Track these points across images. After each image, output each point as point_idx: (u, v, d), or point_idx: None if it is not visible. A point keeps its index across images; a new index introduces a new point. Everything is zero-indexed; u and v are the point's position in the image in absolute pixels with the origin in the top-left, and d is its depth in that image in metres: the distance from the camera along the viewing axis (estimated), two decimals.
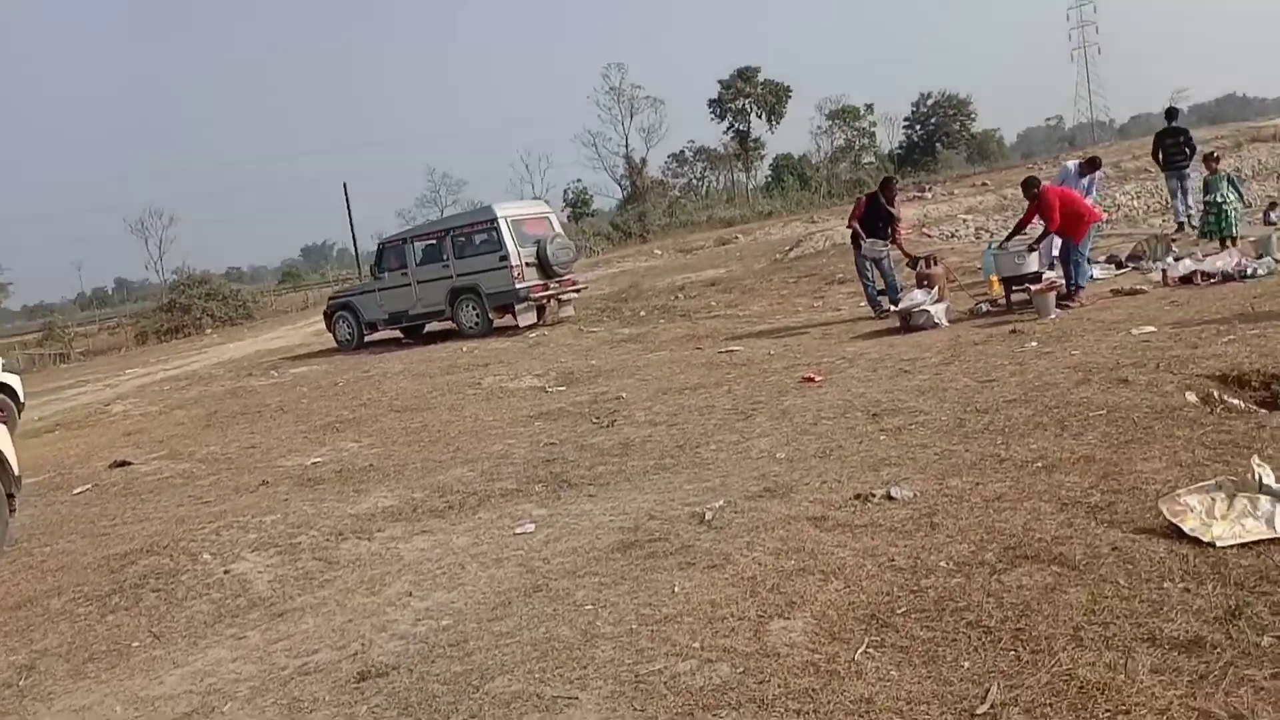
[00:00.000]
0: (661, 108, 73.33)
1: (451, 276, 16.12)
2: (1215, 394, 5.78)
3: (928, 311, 10.17)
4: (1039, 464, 4.85)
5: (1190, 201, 14.65)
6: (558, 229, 16.48)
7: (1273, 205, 27.05)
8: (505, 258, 15.39)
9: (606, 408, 8.61)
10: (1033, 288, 9.71)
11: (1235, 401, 5.70)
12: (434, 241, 16.55)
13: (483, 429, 8.57)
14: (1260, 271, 9.38)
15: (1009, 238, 11.15)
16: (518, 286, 15.43)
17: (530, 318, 15.74)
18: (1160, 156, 14.90)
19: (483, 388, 10.94)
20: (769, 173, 77.70)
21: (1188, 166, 14.47)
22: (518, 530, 5.26)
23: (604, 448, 7.08)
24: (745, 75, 71.00)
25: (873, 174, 67.28)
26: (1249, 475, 3.77)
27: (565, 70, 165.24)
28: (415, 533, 5.59)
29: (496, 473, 6.79)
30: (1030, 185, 10.48)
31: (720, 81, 72.34)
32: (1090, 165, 13.21)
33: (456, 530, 5.50)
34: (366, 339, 17.64)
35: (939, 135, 76.12)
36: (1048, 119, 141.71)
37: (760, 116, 72.81)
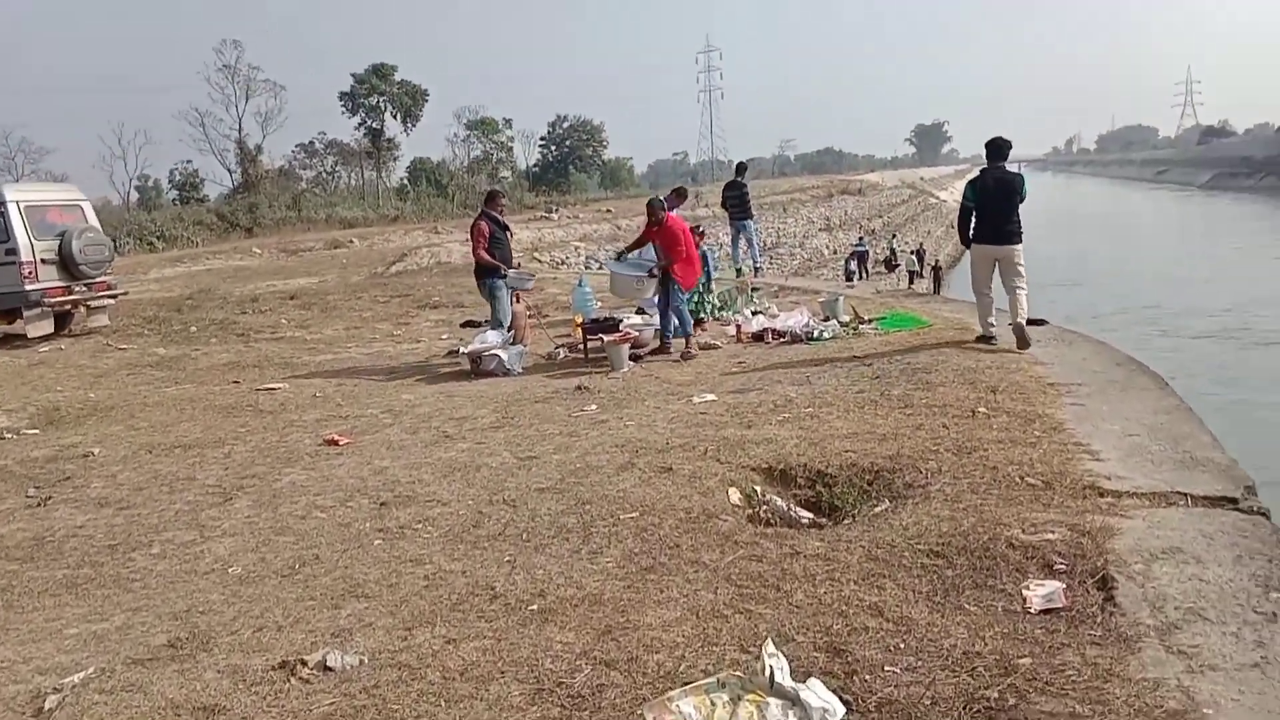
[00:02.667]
0: (282, 93, 68.18)
1: None
2: (760, 493, 5.08)
3: (498, 356, 9.09)
4: (537, 605, 3.73)
5: (756, 251, 16.03)
6: (91, 221, 13.59)
7: (854, 256, 29.80)
8: (13, 251, 12.35)
9: (59, 471, 6.55)
10: (606, 338, 8.96)
11: (778, 502, 5.04)
12: None
13: None
14: (825, 334, 9.29)
15: (622, 255, 10.20)
16: (28, 288, 12.44)
17: (44, 327, 12.76)
18: (726, 206, 15.64)
19: None
20: (405, 175, 75.17)
21: (747, 218, 15.37)
22: None
23: (7, 545, 5.12)
24: (380, 72, 68.04)
25: (506, 188, 67.24)
26: (759, 666, 2.84)
27: (174, 39, 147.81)
28: None
29: None
30: (655, 208, 9.54)
31: (354, 75, 68.75)
32: (678, 196, 12.88)
33: None
34: None
35: (573, 158, 77.80)
36: (675, 153, 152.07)
37: (395, 117, 70.12)
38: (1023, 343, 7.78)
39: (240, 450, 6.78)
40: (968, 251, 8.72)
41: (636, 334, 9.03)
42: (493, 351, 9.09)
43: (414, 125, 70.68)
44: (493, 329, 9.84)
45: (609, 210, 43.26)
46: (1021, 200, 8.11)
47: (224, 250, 33.23)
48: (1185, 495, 4.30)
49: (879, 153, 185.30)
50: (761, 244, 31.81)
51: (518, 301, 10.41)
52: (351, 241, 35.08)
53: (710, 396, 7.17)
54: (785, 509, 5.01)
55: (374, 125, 70.69)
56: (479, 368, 9.17)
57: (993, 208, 8.13)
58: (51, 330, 12.92)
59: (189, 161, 69.75)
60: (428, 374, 9.60)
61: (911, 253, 32.32)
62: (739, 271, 15.65)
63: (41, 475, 6.52)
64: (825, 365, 7.99)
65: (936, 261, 32.28)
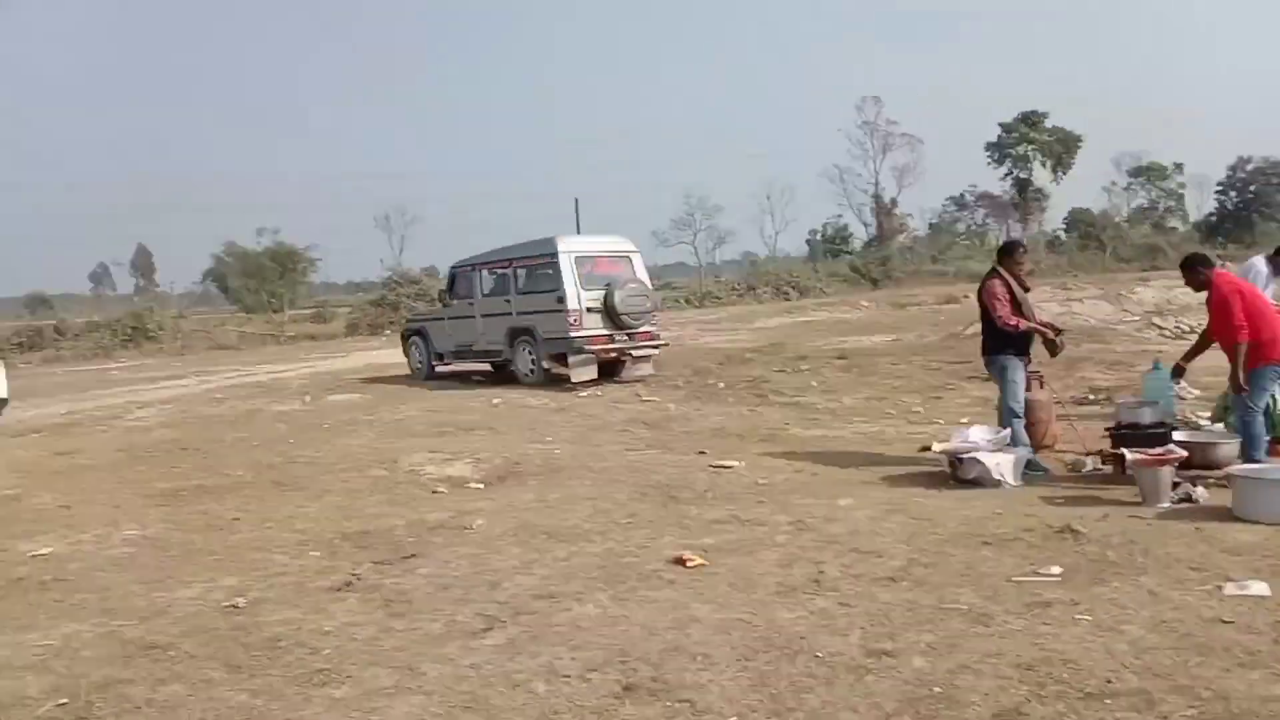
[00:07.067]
0: (919, 146, 68.32)
1: (512, 314, 13.94)
2: None
3: (981, 463, 6.71)
4: None
5: None
6: (639, 273, 13.85)
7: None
8: (563, 300, 13.00)
9: (407, 545, 5.98)
10: (1131, 455, 6.01)
11: None
12: (501, 272, 14.43)
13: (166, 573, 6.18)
14: None
15: (1188, 357, 6.98)
16: (573, 335, 12.98)
17: (587, 373, 13.17)
18: None
19: (388, 473, 8.38)
20: (1062, 226, 70.28)
21: None
22: None
23: (251, 643, 4.49)
24: (1030, 120, 64.61)
25: (1176, 242, 58.39)
26: None
27: (818, 100, 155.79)
28: None
29: None
30: (1193, 266, 6.76)
31: (1001, 124, 66.27)
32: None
33: None
34: (438, 369, 15.73)
35: (1258, 205, 65.49)
36: None
37: (1044, 165, 65.98)
38: None
39: (589, 551, 5.57)
40: None
41: (1184, 454, 5.93)
42: (973, 454, 6.73)
43: (1064, 174, 65.80)
44: (999, 422, 7.46)
45: None
46: None
47: (834, 303, 33.50)
48: None
49: None
50: None
51: (1040, 387, 7.80)
52: (966, 296, 32.96)
53: (1261, 588, 4.13)
54: None
55: (1021, 175, 67.44)
56: (958, 473, 6.89)
57: None
58: (594, 376, 13.31)
59: (839, 216, 73.44)
60: (889, 478, 7.47)
61: None
62: None
63: (388, 550, 5.99)
64: None
65: None
